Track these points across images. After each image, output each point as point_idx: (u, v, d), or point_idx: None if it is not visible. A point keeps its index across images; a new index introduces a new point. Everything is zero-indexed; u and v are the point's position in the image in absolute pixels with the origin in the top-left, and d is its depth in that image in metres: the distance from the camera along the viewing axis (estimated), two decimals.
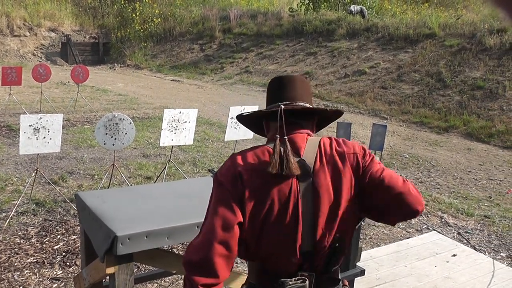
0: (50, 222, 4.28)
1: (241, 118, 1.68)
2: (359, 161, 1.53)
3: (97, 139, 4.62)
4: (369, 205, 1.55)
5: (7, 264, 3.52)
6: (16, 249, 3.75)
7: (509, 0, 0.47)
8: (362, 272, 2.95)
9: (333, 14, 15.61)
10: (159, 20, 19.04)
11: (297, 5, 17.55)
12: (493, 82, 9.72)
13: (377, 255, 3.79)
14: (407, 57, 11.86)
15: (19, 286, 3.27)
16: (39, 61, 16.53)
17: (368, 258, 3.67)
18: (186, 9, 19.63)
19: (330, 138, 1.58)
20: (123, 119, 4.57)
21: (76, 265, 3.55)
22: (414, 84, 10.80)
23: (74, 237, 4.00)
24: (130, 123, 4.63)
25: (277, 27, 16.16)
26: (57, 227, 4.18)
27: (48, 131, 4.29)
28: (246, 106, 5.33)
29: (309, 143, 1.54)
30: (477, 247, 4.23)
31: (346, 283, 1.71)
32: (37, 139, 4.24)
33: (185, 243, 3.46)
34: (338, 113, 1.71)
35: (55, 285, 3.32)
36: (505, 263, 3.88)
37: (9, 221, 4.19)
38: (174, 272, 2.76)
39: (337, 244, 1.50)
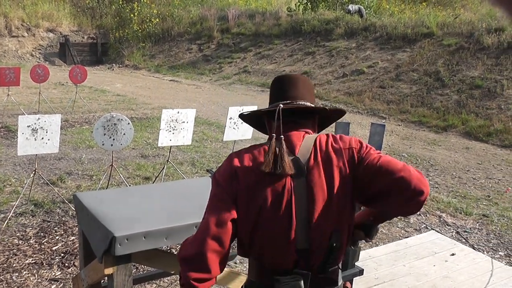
0: (48, 223, 4.27)
1: (244, 117, 1.71)
2: (355, 155, 1.52)
3: (96, 140, 4.62)
4: (370, 195, 1.49)
5: (5, 265, 3.52)
6: (15, 250, 3.75)
7: None
8: (360, 272, 2.95)
9: (331, 14, 15.62)
10: (157, 20, 19.02)
11: (295, 4, 17.55)
12: (491, 81, 9.73)
13: (376, 254, 3.79)
14: (405, 57, 11.87)
15: (18, 287, 3.27)
16: (37, 62, 16.51)
17: (366, 257, 3.68)
18: (184, 9, 19.62)
19: (327, 135, 1.58)
20: (122, 119, 4.56)
21: (75, 266, 3.54)
22: (412, 83, 10.81)
23: (73, 238, 3.99)
24: (129, 123, 4.62)
25: (275, 27, 16.16)
26: (55, 228, 4.18)
27: (46, 132, 4.28)
28: (245, 106, 5.33)
29: (305, 141, 1.54)
30: (475, 246, 4.23)
31: (349, 285, 1.71)
32: (35, 139, 4.24)
33: None
34: (340, 112, 1.72)
35: (54, 286, 3.32)
36: (503, 262, 3.89)
37: (7, 222, 4.19)
38: (172, 272, 2.75)
39: (334, 244, 1.50)
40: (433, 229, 4.51)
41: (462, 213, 4.99)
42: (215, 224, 1.46)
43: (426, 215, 4.89)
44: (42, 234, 4.06)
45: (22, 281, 3.33)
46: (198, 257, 1.43)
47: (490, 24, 11.39)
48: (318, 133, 1.65)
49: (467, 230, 4.58)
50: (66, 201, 4.69)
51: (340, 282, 1.61)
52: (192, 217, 2.27)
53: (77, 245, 3.74)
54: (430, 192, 5.01)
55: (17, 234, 4.03)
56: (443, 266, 3.63)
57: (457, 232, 4.53)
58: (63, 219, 4.38)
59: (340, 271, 1.60)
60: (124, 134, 4.58)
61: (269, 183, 1.47)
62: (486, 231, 4.57)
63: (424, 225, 4.65)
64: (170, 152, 5.40)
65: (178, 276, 3.26)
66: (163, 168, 5.31)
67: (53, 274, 3.46)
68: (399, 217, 4.82)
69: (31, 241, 3.92)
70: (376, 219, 1.64)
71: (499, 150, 7.79)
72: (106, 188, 4.91)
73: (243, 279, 2.53)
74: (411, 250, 3.90)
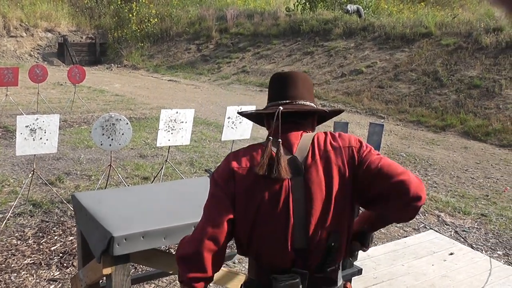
0: (47, 223, 4.27)
1: (243, 114, 1.71)
2: (354, 154, 1.51)
3: (94, 140, 4.61)
4: (369, 197, 1.49)
5: (4, 265, 3.51)
6: (13, 251, 3.74)
7: None
8: (359, 271, 2.95)
9: (330, 14, 15.62)
10: (156, 20, 19.01)
11: (294, 4, 17.56)
12: (490, 80, 9.74)
13: (375, 254, 3.79)
14: (403, 56, 11.87)
15: None
16: (36, 62, 16.49)
17: (365, 257, 3.68)
18: (183, 9, 19.61)
19: (325, 133, 1.57)
20: (120, 119, 4.56)
21: (73, 266, 3.54)
22: (411, 83, 10.82)
23: (71, 238, 3.99)
24: (127, 123, 4.62)
25: (273, 27, 16.16)
26: (54, 228, 4.18)
27: (45, 132, 4.28)
28: (243, 106, 5.33)
29: (303, 139, 1.54)
30: (474, 245, 4.24)
31: (349, 286, 1.70)
32: (34, 140, 4.23)
33: None
34: (338, 111, 1.72)
35: (52, 286, 3.32)
36: (502, 261, 3.89)
37: (5, 223, 4.18)
38: (171, 272, 2.75)
39: (332, 243, 1.49)
40: (432, 229, 4.52)
41: (461, 212, 4.99)
42: (211, 224, 1.47)
43: (425, 215, 4.90)
44: (40, 234, 4.06)
45: (21, 282, 3.33)
46: (195, 257, 1.45)
47: (488, 24, 11.41)
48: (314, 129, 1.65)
49: (465, 230, 4.59)
50: (65, 201, 4.69)
51: (340, 282, 1.59)
52: (190, 217, 2.27)
53: (75, 245, 3.74)
54: (428, 192, 5.01)
55: (16, 235, 4.02)
56: (441, 266, 3.63)
57: (456, 232, 4.53)
58: (62, 219, 4.38)
59: (340, 271, 1.59)
60: (122, 134, 4.58)
61: (266, 183, 1.47)
62: (484, 231, 4.58)
63: (423, 225, 4.66)
64: (168, 152, 5.40)
65: (176, 276, 3.27)
66: (162, 168, 5.30)
67: (52, 274, 3.45)
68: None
69: (29, 241, 3.91)
70: (372, 227, 1.64)
71: (497, 149, 7.80)
72: (105, 188, 4.91)
73: (241, 278, 2.53)
74: (410, 249, 3.91)
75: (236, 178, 1.49)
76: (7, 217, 4.25)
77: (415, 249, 3.91)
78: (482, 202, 5.34)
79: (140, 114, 9.50)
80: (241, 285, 1.64)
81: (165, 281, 3.38)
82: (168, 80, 15.07)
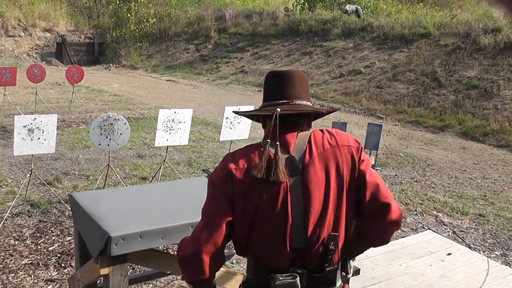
0: (45, 224, 4.26)
1: (239, 113, 1.72)
2: (354, 154, 1.53)
3: (92, 140, 4.61)
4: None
5: (1, 266, 3.51)
6: (11, 251, 3.74)
7: None
8: (357, 272, 2.95)
9: (329, 14, 15.63)
10: (155, 20, 19.00)
11: (293, 4, 17.56)
12: (488, 81, 9.76)
13: (372, 254, 3.79)
14: (402, 57, 11.89)
15: None
16: (34, 62, 16.46)
17: (363, 257, 3.68)
18: (182, 9, 19.60)
19: (322, 131, 1.58)
20: (118, 119, 4.56)
21: (71, 266, 3.53)
22: (409, 83, 10.83)
23: (69, 238, 3.98)
24: (125, 123, 4.61)
25: (272, 27, 16.16)
26: (52, 229, 4.17)
27: (43, 132, 4.27)
28: (242, 106, 5.33)
29: (299, 138, 1.53)
30: (472, 245, 4.24)
31: (347, 287, 1.70)
32: (32, 140, 4.23)
33: None
34: (333, 110, 1.72)
35: (50, 286, 3.31)
36: (499, 261, 3.90)
37: (3, 223, 4.17)
38: (168, 272, 2.75)
39: (331, 243, 1.49)
40: (430, 229, 4.52)
41: (459, 212, 5.00)
42: (210, 227, 1.47)
43: (423, 215, 4.90)
44: (38, 234, 4.05)
45: (18, 282, 3.32)
46: (195, 258, 1.46)
47: (487, 24, 11.43)
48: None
49: (463, 230, 4.59)
50: (63, 201, 4.68)
51: (339, 282, 1.58)
52: (188, 217, 2.27)
53: (73, 245, 3.73)
54: (427, 192, 4.99)
55: (13, 235, 4.02)
56: (439, 266, 3.63)
57: (454, 232, 4.54)
58: (60, 219, 4.37)
59: (338, 271, 1.58)
60: (120, 134, 4.58)
61: (265, 184, 1.46)
62: (482, 231, 4.59)
63: (421, 225, 4.66)
64: (167, 152, 5.39)
65: (174, 276, 3.27)
66: (160, 168, 5.30)
67: (50, 274, 3.45)
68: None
69: (27, 242, 3.91)
70: (350, 254, 1.67)
71: (495, 150, 7.82)
72: (103, 188, 4.90)
73: (239, 278, 2.53)
74: (408, 249, 3.91)
75: (234, 179, 1.48)
76: (4, 217, 4.24)
77: (413, 249, 3.91)
78: (480, 203, 5.35)
79: (139, 114, 9.49)
80: (240, 285, 1.64)
81: (163, 281, 3.37)
82: (167, 80, 15.06)
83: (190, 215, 2.25)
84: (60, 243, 3.92)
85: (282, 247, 1.48)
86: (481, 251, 4.12)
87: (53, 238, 4.00)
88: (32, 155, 4.50)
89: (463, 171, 6.60)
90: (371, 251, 3.86)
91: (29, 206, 4.58)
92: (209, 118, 9.29)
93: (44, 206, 4.61)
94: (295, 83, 1.57)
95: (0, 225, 4.13)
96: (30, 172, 4.70)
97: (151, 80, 15.22)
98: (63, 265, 3.58)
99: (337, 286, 1.57)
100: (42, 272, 3.46)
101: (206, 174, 2.22)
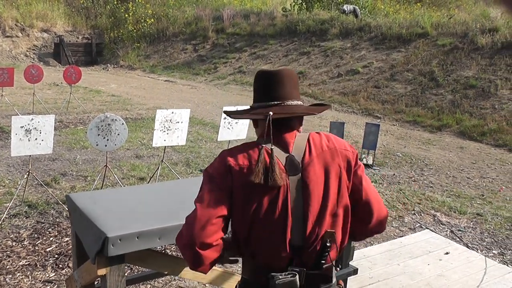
0: (42, 224, 4.25)
1: (230, 116, 1.73)
2: (350, 159, 1.56)
3: (90, 140, 4.60)
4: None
5: None
6: (8, 252, 3.73)
7: None
8: (355, 271, 2.95)
9: (326, 14, 15.64)
10: (152, 20, 18.99)
11: (290, 4, 17.56)
12: (485, 81, 9.78)
13: (370, 253, 3.80)
14: (400, 57, 11.90)
15: None
16: (32, 62, 16.43)
17: (361, 257, 3.68)
18: (179, 9, 19.58)
19: (319, 134, 1.59)
20: (116, 120, 4.55)
21: (69, 267, 3.53)
22: (407, 83, 10.85)
23: (67, 239, 3.97)
24: (123, 123, 4.61)
25: (270, 27, 16.16)
26: (49, 229, 4.16)
27: (40, 133, 4.26)
28: (239, 106, 5.32)
29: (298, 139, 1.55)
30: (469, 245, 4.25)
31: (341, 283, 1.72)
32: (29, 140, 4.22)
33: None
34: (324, 109, 1.71)
35: (48, 287, 3.30)
36: (497, 260, 3.90)
37: (1, 224, 4.16)
38: (166, 273, 2.75)
39: (328, 240, 1.50)
40: (428, 228, 4.53)
41: (456, 212, 5.01)
42: (205, 218, 1.45)
43: (421, 214, 4.91)
44: (36, 235, 4.04)
45: (16, 283, 3.31)
46: (190, 250, 1.46)
47: (484, 24, 11.45)
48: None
49: (461, 229, 4.60)
50: (60, 202, 4.67)
51: (334, 280, 1.61)
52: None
53: (71, 246, 3.73)
54: (424, 191, 5.03)
55: (11, 236, 4.01)
56: (437, 265, 3.64)
57: (451, 231, 4.55)
58: (57, 220, 4.36)
59: (334, 268, 1.60)
60: (118, 134, 4.57)
61: (264, 186, 1.46)
62: (480, 230, 4.59)
63: (419, 224, 4.67)
64: (164, 152, 5.39)
65: (172, 277, 3.26)
66: (158, 168, 5.30)
67: (47, 275, 3.44)
68: (389, 217, 4.84)
69: (25, 243, 3.90)
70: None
71: (493, 149, 7.83)
72: (101, 189, 4.89)
73: (237, 278, 2.52)
74: (406, 249, 3.92)
75: (233, 172, 1.48)
76: (2, 218, 4.23)
77: (410, 249, 3.92)
78: (478, 202, 5.36)
79: (136, 114, 9.48)
80: (236, 285, 1.64)
81: (161, 281, 3.37)
82: (165, 81, 15.05)
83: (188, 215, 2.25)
84: (57, 244, 3.91)
85: (282, 247, 1.48)
86: (478, 250, 4.13)
87: (51, 239, 3.99)
88: (30, 156, 4.49)
89: (461, 170, 6.61)
90: (369, 251, 3.87)
91: (26, 207, 4.57)
92: (207, 118, 9.29)
93: (41, 207, 4.60)
94: (285, 82, 1.57)
95: None
96: (27, 173, 4.68)
97: (149, 80, 15.21)
98: (60, 266, 3.57)
99: (333, 283, 1.58)
100: (40, 273, 3.45)
101: None
